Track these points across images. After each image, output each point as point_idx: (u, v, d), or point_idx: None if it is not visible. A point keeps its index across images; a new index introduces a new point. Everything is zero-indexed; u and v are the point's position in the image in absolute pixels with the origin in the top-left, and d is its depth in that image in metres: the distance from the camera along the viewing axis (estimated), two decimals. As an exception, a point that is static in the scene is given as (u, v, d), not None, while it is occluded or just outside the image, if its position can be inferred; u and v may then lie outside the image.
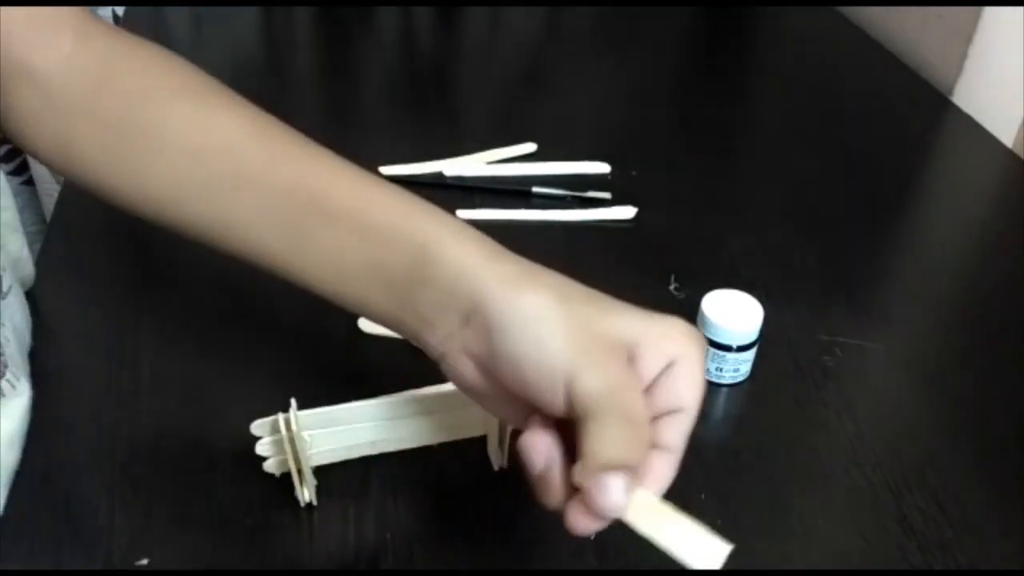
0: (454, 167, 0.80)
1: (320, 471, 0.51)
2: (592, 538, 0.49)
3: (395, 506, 0.51)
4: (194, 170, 0.41)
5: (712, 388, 0.60)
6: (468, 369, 0.39)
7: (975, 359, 0.64)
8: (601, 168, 0.81)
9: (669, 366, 0.36)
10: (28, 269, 0.64)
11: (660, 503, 0.36)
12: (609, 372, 0.35)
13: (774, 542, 0.50)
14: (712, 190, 0.81)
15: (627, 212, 0.76)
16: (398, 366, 0.59)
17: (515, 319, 0.36)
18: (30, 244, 0.65)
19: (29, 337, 0.59)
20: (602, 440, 0.34)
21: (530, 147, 0.84)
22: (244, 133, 0.42)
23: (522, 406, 0.37)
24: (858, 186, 0.82)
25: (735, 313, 0.58)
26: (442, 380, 0.54)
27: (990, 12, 0.90)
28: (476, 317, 0.37)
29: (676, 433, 0.37)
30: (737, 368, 0.59)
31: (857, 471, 0.55)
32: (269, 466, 0.50)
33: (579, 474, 0.34)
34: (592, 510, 0.34)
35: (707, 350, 0.57)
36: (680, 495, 0.52)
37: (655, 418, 0.36)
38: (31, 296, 0.63)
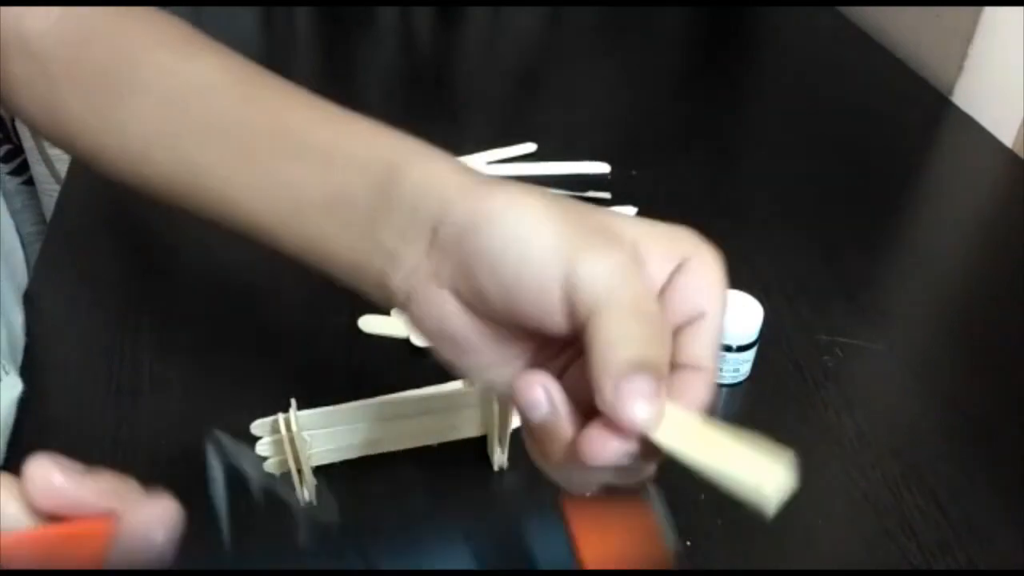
0: (454, 167, 0.80)
1: (320, 471, 0.52)
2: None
3: (395, 506, 0.51)
4: (170, 114, 0.39)
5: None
6: (440, 304, 0.33)
7: (975, 359, 0.64)
8: (601, 168, 0.81)
9: (680, 268, 0.31)
10: (21, 267, 0.64)
11: (699, 421, 0.29)
12: (613, 257, 0.29)
13: (774, 542, 0.50)
14: (712, 190, 0.81)
15: (627, 212, 0.76)
16: (398, 366, 0.59)
17: (490, 213, 0.31)
18: (30, 244, 0.65)
19: (23, 336, 0.59)
20: (615, 336, 0.28)
21: (530, 147, 0.84)
22: (221, 77, 0.40)
23: (511, 346, 0.33)
24: (858, 186, 0.82)
25: (735, 313, 0.58)
26: (442, 380, 0.54)
27: (990, 12, 0.90)
28: (444, 227, 0.32)
29: (701, 345, 0.31)
30: (737, 368, 0.59)
31: (857, 471, 0.55)
32: (269, 466, 0.50)
33: (597, 376, 0.28)
34: (614, 424, 0.28)
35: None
36: (680, 495, 0.52)
37: (674, 332, 0.31)
38: (31, 296, 0.63)
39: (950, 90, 0.96)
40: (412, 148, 0.35)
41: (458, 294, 0.32)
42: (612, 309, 0.29)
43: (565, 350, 0.33)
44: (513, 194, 0.31)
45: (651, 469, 0.32)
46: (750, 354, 0.59)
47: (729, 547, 0.50)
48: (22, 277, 0.64)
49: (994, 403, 0.60)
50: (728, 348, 0.58)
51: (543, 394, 0.31)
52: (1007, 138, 0.88)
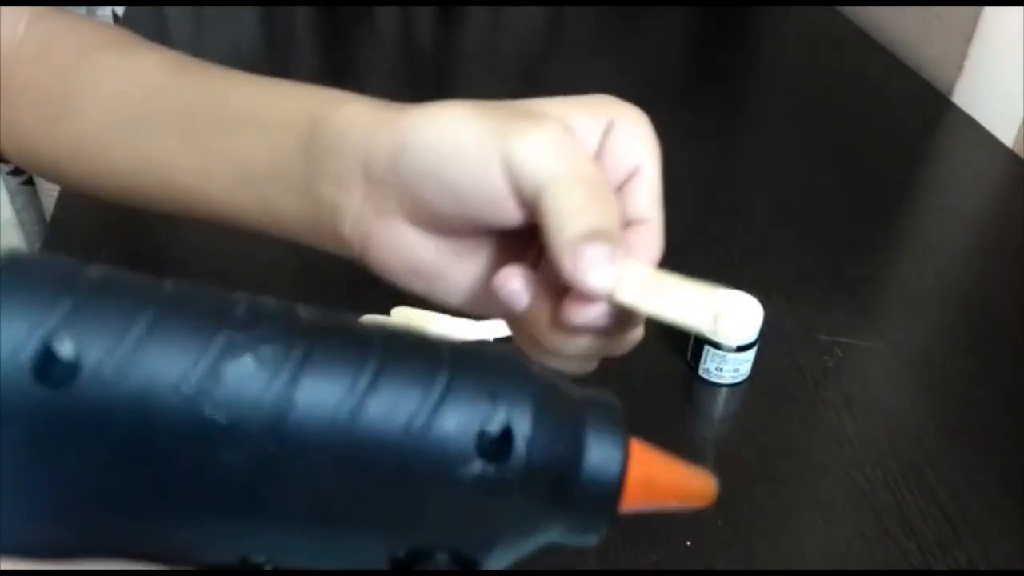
0: (454, 167, 0.80)
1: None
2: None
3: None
4: (118, 108, 0.40)
5: (712, 388, 0.60)
6: (397, 237, 0.33)
7: (975, 359, 0.64)
8: (601, 168, 0.81)
9: (608, 130, 0.32)
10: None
11: (657, 272, 0.31)
12: (544, 132, 0.30)
13: (774, 542, 0.50)
14: (712, 190, 0.81)
15: (627, 212, 0.76)
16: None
17: (413, 129, 0.31)
18: (30, 244, 0.65)
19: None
20: (564, 210, 0.29)
21: (530, 147, 0.84)
22: (162, 69, 0.40)
23: (476, 257, 0.33)
24: (858, 186, 0.82)
25: (735, 313, 0.58)
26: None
27: (990, 12, 0.90)
28: (374, 163, 0.32)
29: (644, 197, 0.32)
30: (737, 368, 0.59)
31: (857, 471, 0.55)
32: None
33: (555, 252, 0.29)
34: (580, 293, 0.29)
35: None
36: (680, 495, 0.52)
37: (616, 191, 0.32)
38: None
39: (950, 90, 0.96)
40: (330, 97, 0.35)
41: (410, 220, 0.32)
42: (556, 184, 0.29)
43: (532, 246, 0.34)
44: (429, 107, 0.32)
45: (638, 330, 0.33)
46: (750, 354, 0.59)
47: (729, 547, 0.50)
48: None
49: (994, 403, 0.60)
50: (728, 348, 0.58)
51: (521, 283, 0.32)
52: (1007, 138, 0.88)
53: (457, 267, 0.34)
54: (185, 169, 0.38)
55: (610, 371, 0.61)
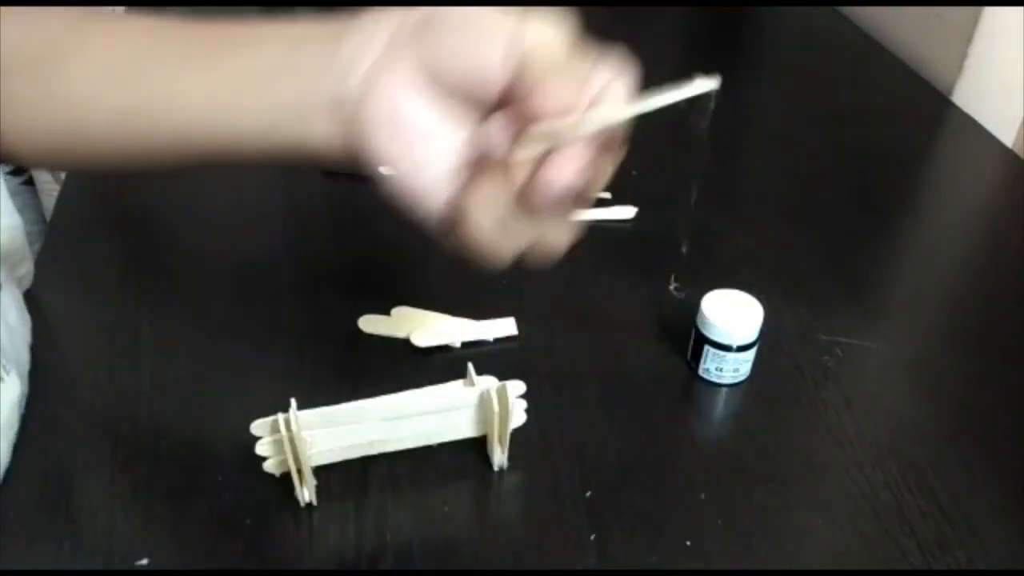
0: (454, 167, 0.80)
1: (320, 471, 0.52)
2: (592, 537, 0.49)
3: (395, 506, 0.51)
4: (117, 56, 0.41)
5: (712, 388, 0.60)
6: (398, 87, 0.37)
7: (975, 359, 0.64)
8: (601, 168, 0.81)
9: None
10: (26, 268, 0.64)
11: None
12: (549, 27, 0.39)
13: (774, 542, 0.50)
14: (712, 190, 0.80)
15: (627, 212, 0.76)
16: (398, 366, 0.59)
17: (448, 8, 0.37)
18: (30, 244, 0.65)
19: (28, 335, 0.59)
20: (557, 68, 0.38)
21: (530, 147, 0.84)
22: (159, 22, 0.41)
23: (454, 123, 0.37)
24: (858, 186, 0.82)
25: (735, 313, 0.58)
26: (442, 380, 0.54)
27: (990, 12, 0.90)
28: (402, 29, 0.37)
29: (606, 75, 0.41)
30: (737, 368, 0.59)
31: (857, 471, 0.55)
32: (269, 466, 0.50)
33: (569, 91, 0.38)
34: (562, 151, 0.36)
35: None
36: (680, 495, 0.52)
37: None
38: (31, 296, 0.63)
39: (950, 90, 0.96)
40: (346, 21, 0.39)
41: (415, 76, 0.37)
42: (557, 69, 0.37)
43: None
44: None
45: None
46: (750, 354, 0.59)
47: (729, 547, 0.50)
48: (28, 282, 0.64)
49: (994, 403, 0.60)
50: (728, 348, 0.58)
51: (501, 125, 0.37)
52: (1007, 138, 0.89)
53: (436, 135, 0.37)
54: (186, 90, 0.39)
55: (610, 371, 0.61)
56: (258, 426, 0.49)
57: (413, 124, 0.37)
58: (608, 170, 0.40)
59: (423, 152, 0.38)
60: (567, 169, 0.36)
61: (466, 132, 0.38)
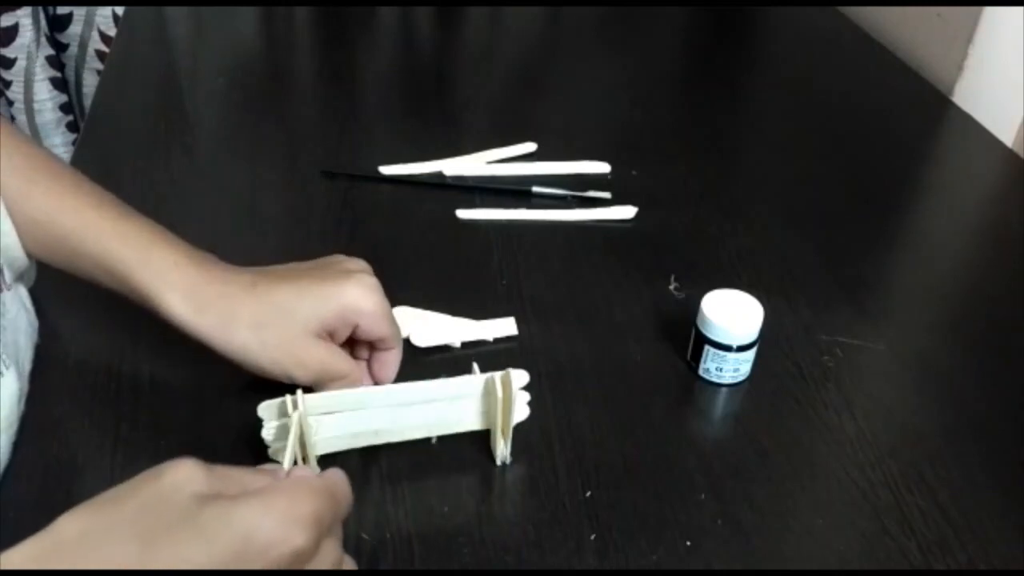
0: (454, 167, 0.80)
1: (321, 464, 0.52)
2: (592, 537, 0.49)
3: (395, 505, 0.51)
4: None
5: (712, 388, 0.60)
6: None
7: (975, 359, 0.64)
8: (601, 168, 0.81)
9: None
10: (26, 266, 0.64)
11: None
12: (361, 285, 0.53)
13: (774, 542, 0.50)
14: (712, 190, 0.81)
15: (627, 212, 0.76)
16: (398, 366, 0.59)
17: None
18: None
19: (36, 335, 0.59)
20: (389, 327, 0.55)
21: (530, 147, 0.84)
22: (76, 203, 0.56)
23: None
24: (858, 186, 0.82)
25: (735, 313, 0.58)
26: (443, 376, 0.54)
27: (990, 12, 0.90)
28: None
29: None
30: (737, 368, 0.59)
31: (857, 471, 0.55)
32: (274, 452, 0.50)
33: (392, 344, 0.56)
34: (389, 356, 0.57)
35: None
36: (680, 495, 0.52)
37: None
38: (32, 295, 0.63)
39: (950, 90, 0.96)
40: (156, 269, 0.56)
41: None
42: (374, 314, 0.54)
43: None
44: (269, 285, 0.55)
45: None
46: (750, 354, 0.59)
47: (729, 547, 0.50)
48: (30, 281, 0.64)
49: (994, 403, 0.60)
50: (728, 348, 0.58)
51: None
52: (1007, 138, 0.89)
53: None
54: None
55: (610, 371, 0.61)
56: (264, 408, 0.49)
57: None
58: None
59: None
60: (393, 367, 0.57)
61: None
